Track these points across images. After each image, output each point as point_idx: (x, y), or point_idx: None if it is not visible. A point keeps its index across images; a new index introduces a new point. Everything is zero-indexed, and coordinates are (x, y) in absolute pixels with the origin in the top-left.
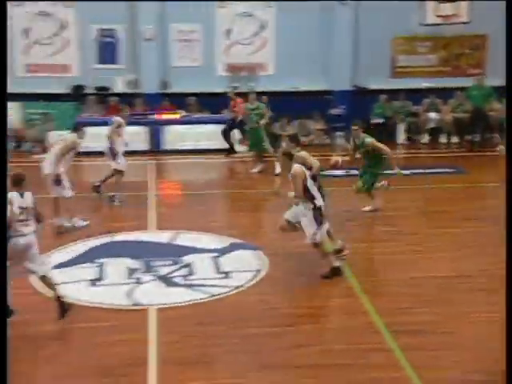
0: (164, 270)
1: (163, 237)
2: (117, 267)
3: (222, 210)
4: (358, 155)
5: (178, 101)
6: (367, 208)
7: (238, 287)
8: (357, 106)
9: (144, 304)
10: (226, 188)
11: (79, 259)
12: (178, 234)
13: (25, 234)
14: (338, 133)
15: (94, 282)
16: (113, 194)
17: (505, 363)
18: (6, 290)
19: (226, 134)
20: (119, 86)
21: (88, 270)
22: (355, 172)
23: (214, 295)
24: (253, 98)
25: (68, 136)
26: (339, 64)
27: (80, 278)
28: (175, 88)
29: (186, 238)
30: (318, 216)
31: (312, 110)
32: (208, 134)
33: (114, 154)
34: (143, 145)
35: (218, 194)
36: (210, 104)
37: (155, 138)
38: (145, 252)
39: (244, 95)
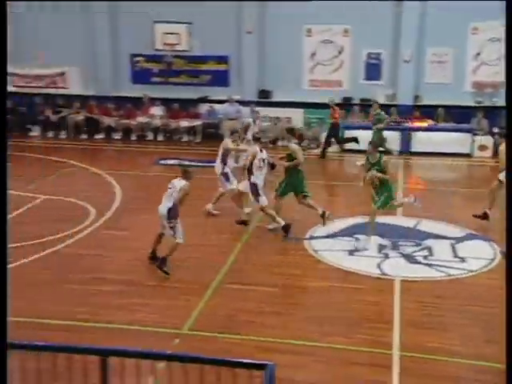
0: (408, 250)
1: (408, 222)
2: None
3: (458, 204)
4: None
5: (427, 111)
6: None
7: (472, 271)
8: None
9: (390, 275)
10: (463, 186)
11: (340, 233)
12: (420, 220)
13: (163, 206)
14: None
15: (351, 252)
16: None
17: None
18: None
19: (327, 139)
20: (379, 99)
21: (347, 243)
22: None
23: (450, 275)
24: (376, 107)
25: (224, 141)
26: None
27: (340, 248)
28: (426, 101)
29: (427, 225)
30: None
31: None
32: (451, 140)
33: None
34: (396, 146)
35: (455, 191)
36: (457, 115)
37: (405, 141)
38: (392, 233)
39: (488, 108)
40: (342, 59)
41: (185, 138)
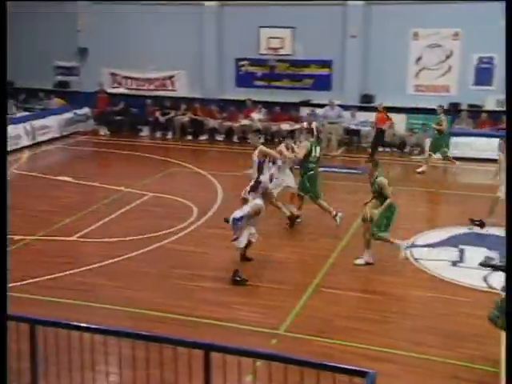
0: None
1: None
2: (475, 254)
3: None
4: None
5: None
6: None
7: None
8: None
9: (498, 289)
10: None
11: (443, 243)
12: None
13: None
14: None
15: (454, 263)
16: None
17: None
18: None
19: (374, 144)
20: (490, 104)
21: (450, 253)
22: None
23: None
24: (440, 111)
25: (280, 145)
26: None
27: (443, 257)
28: None
29: None
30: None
31: None
32: None
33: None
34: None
35: None
36: None
37: None
38: (501, 245)
39: None
40: (450, 63)
41: None
